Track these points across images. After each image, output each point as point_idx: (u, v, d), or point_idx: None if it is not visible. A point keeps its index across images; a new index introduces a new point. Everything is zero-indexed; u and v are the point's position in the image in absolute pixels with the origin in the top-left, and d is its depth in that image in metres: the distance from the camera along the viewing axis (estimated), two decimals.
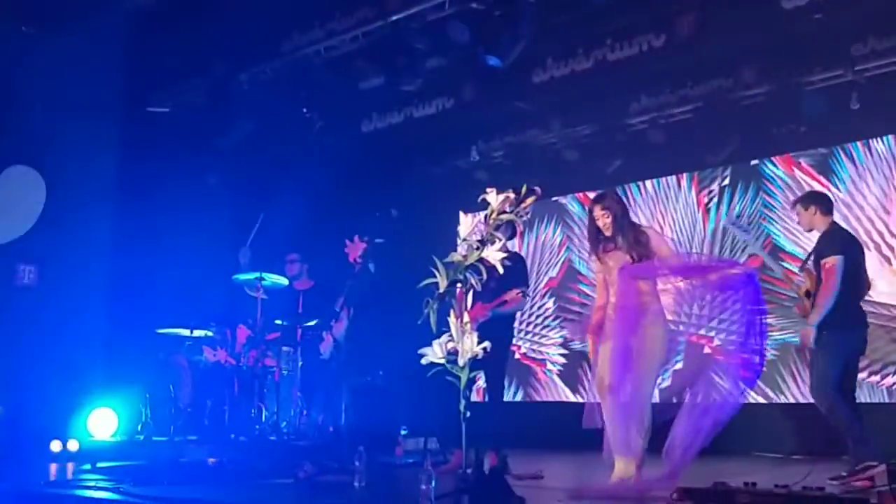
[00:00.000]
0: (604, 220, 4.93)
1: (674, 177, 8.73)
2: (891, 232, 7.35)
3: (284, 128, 8.76)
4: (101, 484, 5.27)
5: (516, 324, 9.74)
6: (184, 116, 8.65)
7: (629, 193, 8.97)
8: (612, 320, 4.87)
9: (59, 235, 7.76)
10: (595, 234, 5.02)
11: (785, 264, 7.41)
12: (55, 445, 6.95)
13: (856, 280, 5.40)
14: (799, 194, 7.75)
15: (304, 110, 6.66)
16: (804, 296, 5.63)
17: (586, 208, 5.27)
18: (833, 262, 5.29)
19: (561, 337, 9.29)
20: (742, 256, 8.10)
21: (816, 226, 5.61)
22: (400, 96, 8.43)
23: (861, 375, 7.21)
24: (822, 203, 5.65)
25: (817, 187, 7.74)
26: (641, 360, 4.73)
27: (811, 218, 5.60)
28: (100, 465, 6.26)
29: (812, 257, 5.59)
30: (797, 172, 7.95)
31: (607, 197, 5.05)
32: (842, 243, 5.42)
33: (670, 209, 8.70)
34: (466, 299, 4.35)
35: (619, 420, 4.63)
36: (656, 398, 4.90)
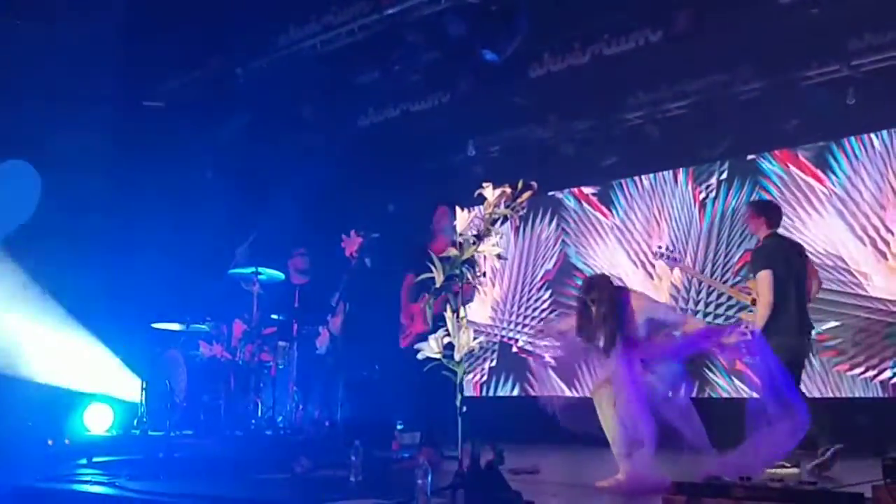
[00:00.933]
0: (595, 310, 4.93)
1: (670, 172, 8.72)
2: (886, 227, 7.36)
3: (280, 122, 8.74)
4: (97, 479, 5.28)
5: (513, 317, 9.84)
6: (179, 110, 8.64)
7: (625, 188, 8.97)
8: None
9: (54, 229, 7.74)
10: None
11: None
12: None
13: (792, 289, 5.62)
14: (795, 190, 7.82)
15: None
16: (752, 304, 5.86)
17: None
18: (763, 276, 5.60)
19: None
20: (737, 252, 8.11)
21: (758, 234, 5.91)
22: (396, 91, 8.42)
23: (855, 371, 7.25)
24: (771, 216, 5.90)
25: (813, 183, 7.76)
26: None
27: (757, 226, 5.89)
28: (96, 459, 6.26)
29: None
30: (793, 168, 7.95)
31: (594, 287, 5.03)
32: (768, 257, 5.69)
33: (667, 204, 8.70)
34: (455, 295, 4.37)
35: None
36: None
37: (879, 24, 6.95)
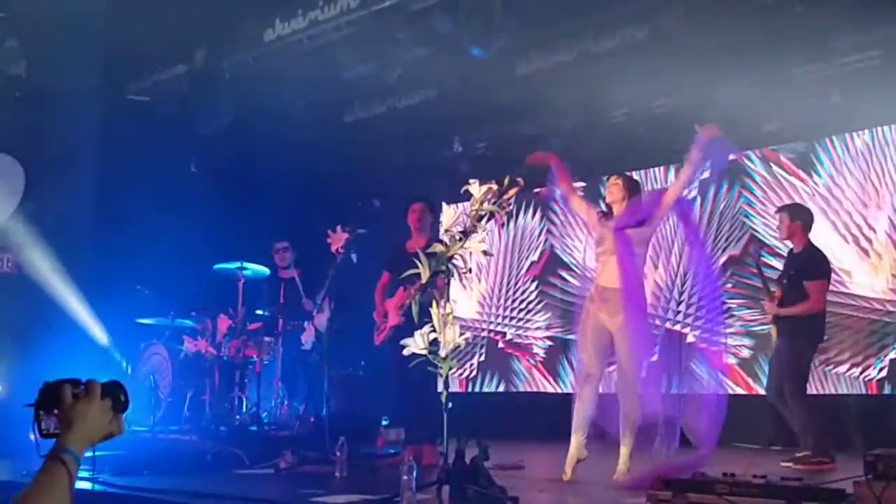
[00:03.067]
0: (612, 189, 5.12)
1: (660, 168, 8.73)
2: (869, 225, 7.41)
3: (266, 116, 8.71)
4: (81, 474, 5.25)
5: (500, 310, 9.86)
6: (165, 105, 8.59)
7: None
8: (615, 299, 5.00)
9: (40, 223, 7.69)
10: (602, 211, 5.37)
11: (765, 258, 7.48)
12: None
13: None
14: (778, 190, 7.86)
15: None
16: (772, 301, 6.04)
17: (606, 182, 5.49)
18: (822, 284, 5.84)
19: (545, 322, 9.32)
20: (724, 252, 8.14)
21: (792, 239, 6.06)
22: (383, 86, 8.40)
23: (840, 368, 7.31)
24: (806, 218, 6.07)
25: (796, 182, 7.79)
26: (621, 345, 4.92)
27: (793, 231, 6.02)
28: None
29: (792, 272, 5.88)
30: (776, 167, 7.99)
31: (622, 174, 5.44)
32: (826, 266, 5.96)
33: None
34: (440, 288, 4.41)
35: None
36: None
37: (864, 23, 6.98)
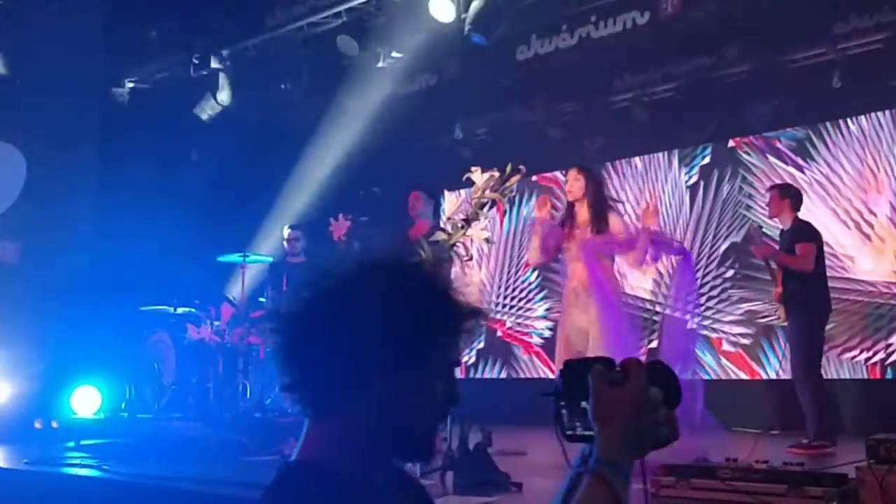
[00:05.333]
0: (573, 186, 5.10)
1: (664, 154, 8.72)
2: (869, 209, 7.41)
3: (266, 104, 8.70)
4: (85, 462, 5.28)
5: (500, 298, 9.87)
6: (165, 92, 8.58)
7: (619, 170, 8.96)
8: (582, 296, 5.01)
9: (41, 212, 7.70)
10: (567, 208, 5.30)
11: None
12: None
13: (822, 267, 6.06)
14: (779, 173, 7.85)
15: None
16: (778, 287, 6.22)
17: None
18: (810, 246, 5.96)
19: (545, 311, 9.33)
20: (726, 239, 8.14)
21: (780, 217, 6.23)
22: (383, 73, 8.38)
23: (845, 354, 7.33)
24: (794, 196, 6.24)
25: (794, 171, 7.79)
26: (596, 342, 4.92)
27: (781, 208, 6.18)
28: (84, 442, 6.26)
29: (785, 246, 6.17)
30: (776, 152, 7.97)
31: (584, 167, 5.32)
32: (817, 233, 6.11)
33: (658, 189, 8.71)
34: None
35: None
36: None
37: (865, 8, 6.97)
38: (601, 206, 5.20)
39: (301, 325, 1.31)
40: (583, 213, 5.20)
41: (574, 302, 5.16)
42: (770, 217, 6.62)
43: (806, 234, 6.08)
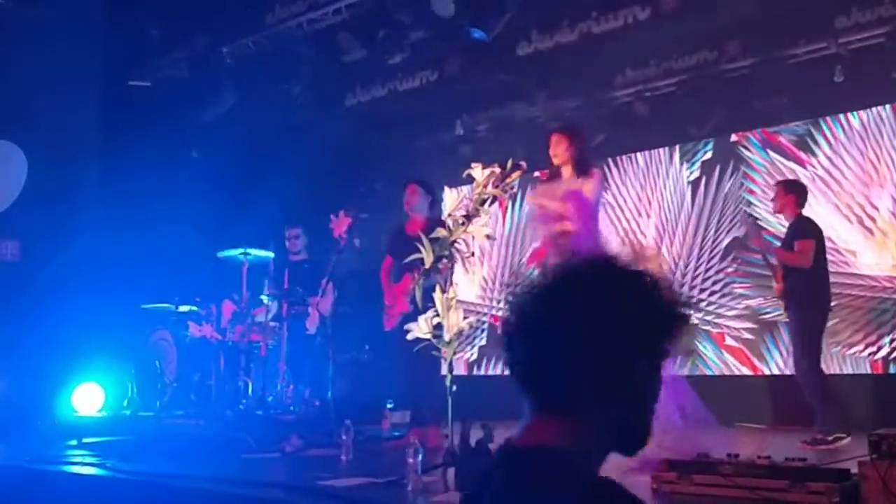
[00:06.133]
0: (557, 150, 5.10)
1: (665, 150, 8.70)
2: (871, 204, 7.39)
3: (267, 101, 8.70)
4: (88, 460, 5.28)
5: (502, 295, 9.86)
6: (166, 90, 8.58)
7: (620, 165, 8.95)
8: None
9: (42, 210, 7.70)
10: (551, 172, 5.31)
11: (769, 240, 7.47)
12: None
13: (822, 263, 6.07)
14: (780, 168, 7.84)
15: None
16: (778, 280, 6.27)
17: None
18: (809, 243, 5.97)
19: None
20: (727, 234, 8.13)
21: (784, 212, 6.26)
22: (383, 70, 8.38)
23: (848, 349, 7.31)
24: (799, 192, 6.27)
25: (795, 166, 7.76)
26: None
27: (785, 204, 6.20)
28: (86, 440, 6.26)
29: (787, 241, 6.20)
30: (776, 150, 7.96)
31: (564, 128, 5.34)
32: (817, 231, 6.10)
33: (660, 184, 8.69)
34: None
35: None
36: None
37: (866, 2, 6.95)
38: (584, 166, 5.18)
39: (547, 330, 1.38)
40: (567, 173, 5.19)
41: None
42: (774, 212, 6.63)
43: (805, 230, 6.09)
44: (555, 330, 1.36)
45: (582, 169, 5.17)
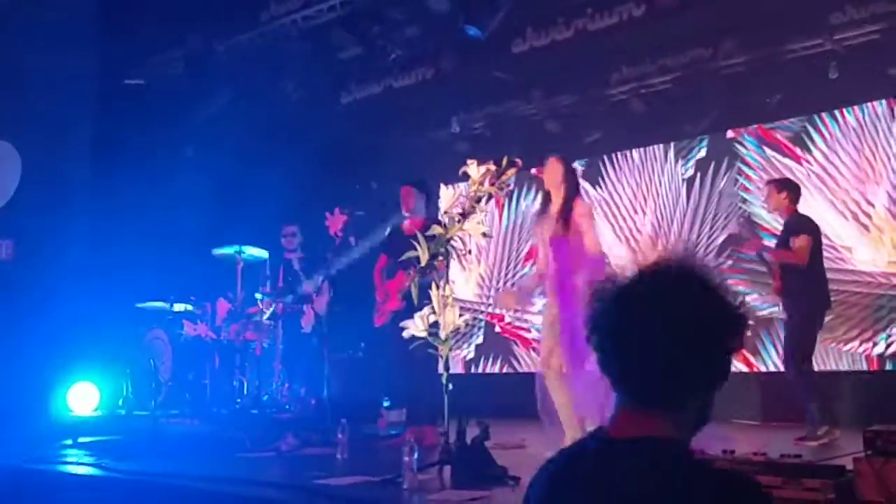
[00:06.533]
0: (550, 175, 5.11)
1: (660, 147, 8.70)
2: (867, 200, 7.40)
3: (262, 99, 8.68)
4: (83, 459, 5.27)
5: (493, 292, 9.85)
6: (160, 88, 8.55)
7: (616, 162, 8.94)
8: (550, 290, 5.05)
9: (36, 209, 7.67)
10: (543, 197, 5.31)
11: (764, 236, 7.48)
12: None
13: (818, 259, 6.04)
14: (776, 165, 7.84)
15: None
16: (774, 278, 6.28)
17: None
18: (806, 240, 5.92)
19: (544, 305, 9.30)
20: (722, 231, 8.13)
21: (778, 210, 6.23)
22: (379, 67, 8.36)
23: (845, 345, 7.32)
24: (792, 190, 6.22)
25: (790, 163, 7.77)
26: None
27: (778, 202, 6.17)
28: (81, 440, 6.24)
29: (783, 238, 6.14)
30: (772, 146, 7.96)
31: (561, 157, 5.31)
32: (814, 227, 6.07)
33: (655, 181, 8.69)
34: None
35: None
36: None
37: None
38: (571, 200, 5.16)
39: (645, 331, 1.48)
40: (556, 203, 5.19)
41: (549, 290, 5.22)
42: (769, 211, 6.63)
43: (801, 227, 6.07)
44: (653, 331, 1.46)
45: (569, 204, 5.15)
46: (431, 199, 6.15)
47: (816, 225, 6.18)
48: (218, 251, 7.52)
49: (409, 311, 4.65)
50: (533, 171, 9.32)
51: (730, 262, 7.96)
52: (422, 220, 5.99)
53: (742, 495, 1.41)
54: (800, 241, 5.97)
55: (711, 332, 1.48)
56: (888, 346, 7.14)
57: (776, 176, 7.67)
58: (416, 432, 5.45)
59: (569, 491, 1.47)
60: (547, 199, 5.31)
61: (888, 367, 7.15)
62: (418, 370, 5.64)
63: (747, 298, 7.79)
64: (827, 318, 6.26)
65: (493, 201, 4.66)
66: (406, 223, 6.12)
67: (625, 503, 1.40)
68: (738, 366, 7.82)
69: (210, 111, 8.53)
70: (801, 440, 5.55)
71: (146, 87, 8.63)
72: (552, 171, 5.22)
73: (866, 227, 7.37)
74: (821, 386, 6.02)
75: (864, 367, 7.26)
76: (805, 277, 5.95)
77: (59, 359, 7.39)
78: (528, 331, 9.39)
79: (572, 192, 5.20)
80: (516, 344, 9.49)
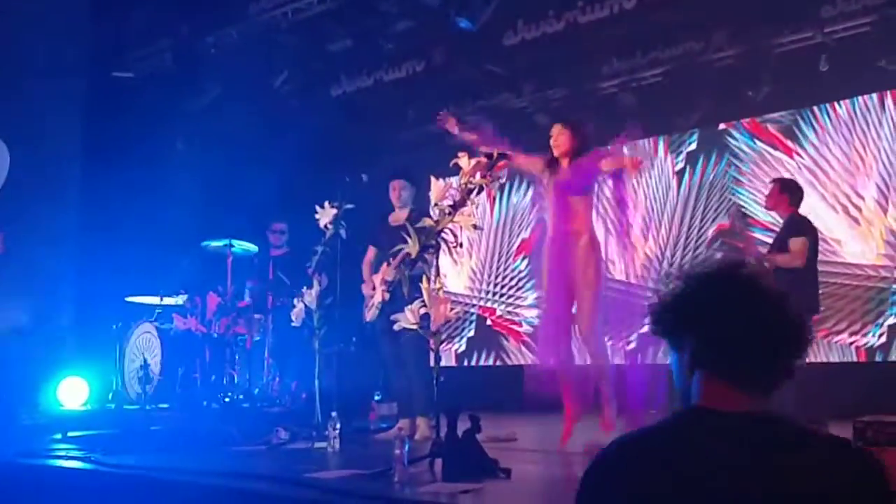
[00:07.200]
0: (559, 140, 5.07)
1: (649, 141, 8.70)
2: (857, 193, 7.42)
3: (252, 91, 8.64)
4: (72, 453, 5.24)
5: (490, 286, 9.85)
6: (150, 81, 8.51)
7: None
8: (547, 244, 5.04)
9: (25, 202, 7.63)
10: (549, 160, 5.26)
11: (754, 230, 7.50)
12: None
13: (814, 263, 6.01)
14: (767, 158, 7.85)
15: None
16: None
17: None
18: (802, 241, 5.87)
19: (535, 299, 9.31)
20: (712, 223, 8.15)
21: (777, 210, 6.19)
22: (369, 59, 8.34)
23: (836, 337, 7.34)
24: (794, 191, 6.15)
25: (782, 156, 7.78)
26: (581, 294, 4.92)
27: (778, 202, 6.11)
28: (70, 434, 6.21)
29: (780, 238, 6.09)
30: (764, 136, 7.97)
31: (568, 122, 5.30)
32: (810, 228, 6.01)
33: (645, 174, 8.68)
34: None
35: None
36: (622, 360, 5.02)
37: None
38: (582, 163, 5.17)
39: (757, 319, 1.55)
40: (565, 161, 5.15)
41: (552, 253, 5.17)
42: (766, 208, 6.53)
43: (799, 228, 6.01)
44: (771, 317, 1.55)
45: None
46: (421, 191, 6.13)
47: (815, 227, 6.14)
48: (207, 243, 7.48)
49: (396, 302, 4.64)
50: None
51: (720, 254, 7.97)
52: (408, 211, 5.99)
53: (875, 468, 1.47)
54: (798, 244, 5.90)
55: (805, 327, 1.59)
56: (877, 337, 7.17)
57: (766, 169, 7.70)
58: (407, 425, 5.46)
59: (685, 465, 1.44)
60: (554, 162, 5.26)
61: (878, 358, 7.18)
62: (409, 363, 5.64)
63: None
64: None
65: (484, 194, 4.65)
66: (394, 215, 6.10)
67: (765, 476, 1.41)
68: None
69: (200, 104, 8.50)
70: None
71: (135, 81, 8.59)
72: (557, 139, 5.19)
73: (856, 220, 7.39)
74: (803, 383, 6.00)
75: (854, 359, 7.29)
76: (798, 279, 5.89)
77: (48, 353, 7.36)
78: (520, 325, 9.40)
79: (583, 151, 5.19)
80: (506, 339, 9.49)
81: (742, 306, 1.55)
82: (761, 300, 1.56)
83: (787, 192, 6.17)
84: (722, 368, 1.55)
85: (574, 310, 5.09)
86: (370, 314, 5.87)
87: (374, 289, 5.94)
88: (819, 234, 6.64)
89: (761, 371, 1.56)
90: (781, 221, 6.32)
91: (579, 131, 5.26)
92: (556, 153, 5.22)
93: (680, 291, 1.60)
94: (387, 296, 5.56)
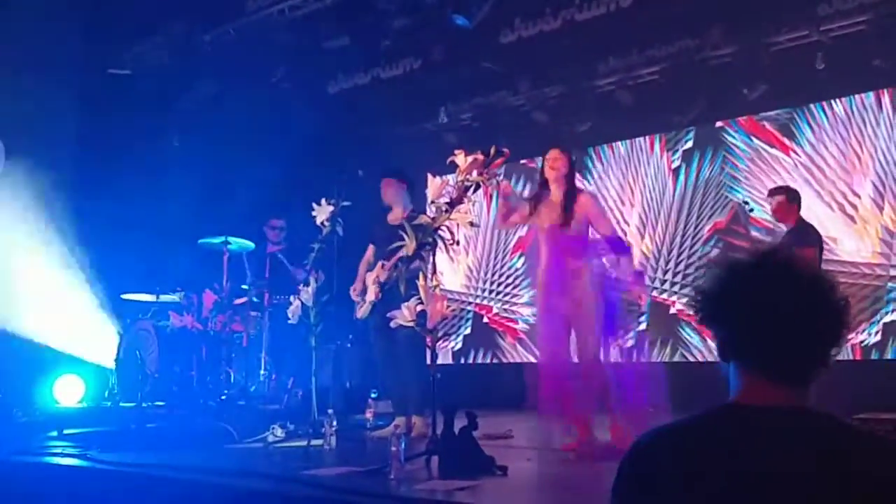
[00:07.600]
0: (556, 164, 5.04)
1: (646, 139, 8.71)
2: (853, 191, 7.43)
3: (249, 88, 8.63)
4: (69, 451, 5.24)
5: (486, 284, 9.85)
6: (146, 78, 8.50)
7: (599, 155, 8.96)
8: (542, 280, 5.03)
9: (19, 199, 7.61)
10: (540, 185, 5.19)
11: (752, 228, 7.50)
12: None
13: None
14: (763, 156, 7.86)
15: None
16: None
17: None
18: (811, 252, 5.80)
19: (531, 297, 9.32)
20: (709, 221, 8.16)
21: (786, 222, 6.13)
22: (366, 56, 8.33)
23: None
24: (799, 199, 6.15)
25: (779, 154, 7.78)
26: (579, 323, 4.88)
27: (788, 212, 6.08)
28: (67, 431, 6.20)
29: (788, 245, 5.95)
30: (761, 134, 7.98)
31: (565, 148, 5.22)
32: (817, 238, 6.01)
33: (641, 173, 8.70)
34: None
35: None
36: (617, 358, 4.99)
37: None
38: (573, 192, 5.13)
39: (798, 312, 1.51)
40: (556, 194, 5.11)
41: (547, 285, 5.12)
42: (776, 220, 6.47)
43: (810, 238, 6.00)
44: (810, 308, 1.50)
45: (571, 197, 5.08)
46: (414, 188, 6.12)
47: (820, 235, 6.14)
48: (204, 241, 7.47)
49: (389, 300, 4.64)
50: (522, 161, 9.34)
51: (716, 252, 7.99)
52: (405, 209, 5.99)
53: None
54: (807, 254, 5.74)
55: (842, 312, 1.53)
56: (873, 335, 7.18)
57: (763, 167, 7.72)
58: (403, 423, 5.46)
59: (719, 460, 1.43)
60: (544, 187, 5.22)
61: (874, 356, 7.19)
62: (405, 361, 5.64)
63: None
64: None
65: (480, 192, 4.64)
66: (392, 213, 6.11)
67: (803, 469, 1.39)
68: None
69: (197, 101, 8.49)
70: None
71: (131, 77, 8.57)
72: (556, 163, 5.11)
73: (852, 218, 7.41)
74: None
75: (851, 357, 7.30)
76: None
77: (44, 350, 7.35)
78: (516, 322, 9.41)
79: (574, 183, 5.16)
80: (503, 336, 9.49)
81: (770, 295, 1.50)
82: (792, 287, 1.51)
83: (796, 203, 6.15)
84: (754, 360, 1.53)
85: (573, 338, 5.02)
86: (361, 312, 5.87)
87: (362, 289, 5.93)
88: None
89: (795, 362, 1.52)
90: (782, 223, 6.31)
91: (573, 161, 5.24)
92: (551, 176, 5.11)
93: (713, 280, 1.57)
94: (380, 295, 5.56)
